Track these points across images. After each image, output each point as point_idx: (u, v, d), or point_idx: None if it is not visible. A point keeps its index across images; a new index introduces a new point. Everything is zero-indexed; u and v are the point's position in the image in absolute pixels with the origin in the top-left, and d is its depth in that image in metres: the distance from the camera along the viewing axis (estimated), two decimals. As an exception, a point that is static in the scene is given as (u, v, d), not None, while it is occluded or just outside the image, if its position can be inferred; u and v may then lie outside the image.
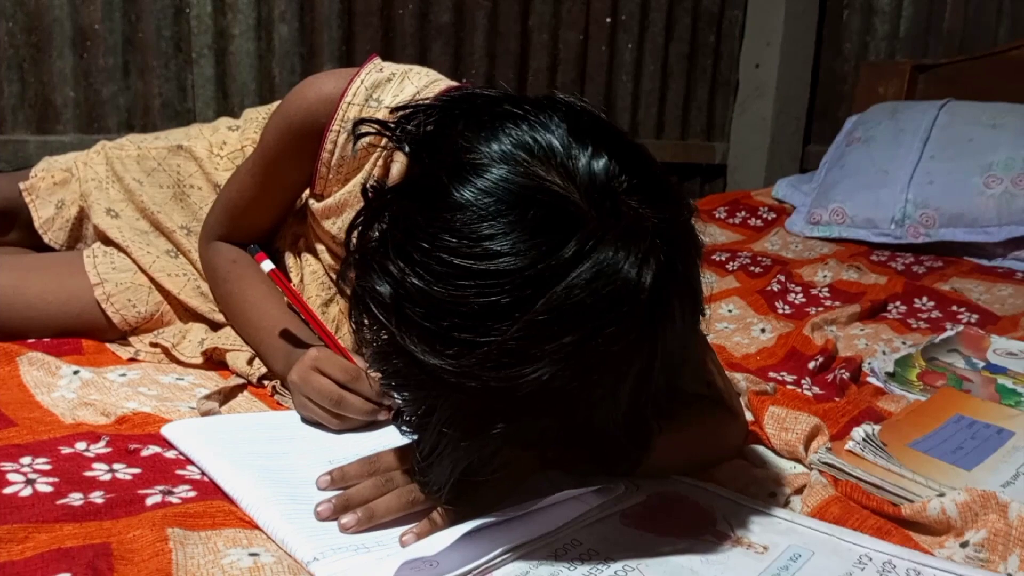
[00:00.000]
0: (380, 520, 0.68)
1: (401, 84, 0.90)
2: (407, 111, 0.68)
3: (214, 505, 0.70)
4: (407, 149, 0.66)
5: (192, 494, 0.72)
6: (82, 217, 1.14)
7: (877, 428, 0.86)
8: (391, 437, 0.83)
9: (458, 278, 0.55)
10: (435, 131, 0.65)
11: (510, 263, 0.55)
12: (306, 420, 0.86)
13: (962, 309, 1.48)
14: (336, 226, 0.95)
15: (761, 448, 0.87)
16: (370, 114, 0.89)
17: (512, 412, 0.58)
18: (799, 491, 0.79)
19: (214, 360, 1.00)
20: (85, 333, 1.04)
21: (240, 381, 0.96)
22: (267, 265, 0.89)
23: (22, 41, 1.89)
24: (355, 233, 0.65)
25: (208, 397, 0.89)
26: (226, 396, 0.92)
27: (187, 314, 1.06)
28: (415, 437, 0.69)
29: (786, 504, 0.77)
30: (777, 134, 2.83)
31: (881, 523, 0.74)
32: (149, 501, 0.69)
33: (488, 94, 0.66)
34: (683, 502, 0.76)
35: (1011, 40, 2.31)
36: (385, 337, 0.61)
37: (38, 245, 1.17)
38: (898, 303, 1.50)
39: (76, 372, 0.93)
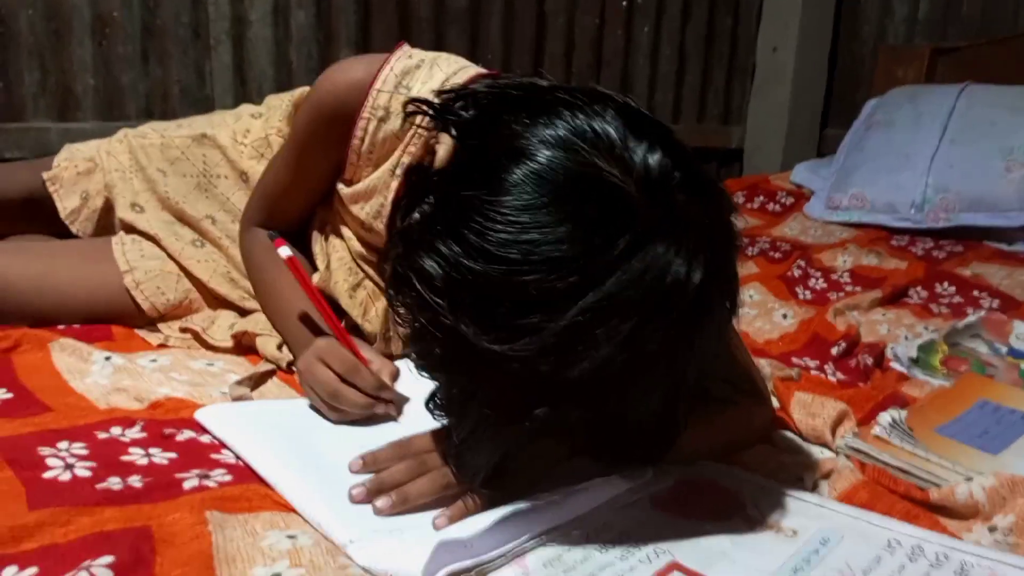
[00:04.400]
0: (413, 503, 0.69)
1: (431, 71, 0.91)
2: (453, 94, 0.68)
3: (251, 489, 0.71)
4: (454, 132, 0.67)
5: (228, 478, 0.73)
6: (108, 207, 1.15)
7: (903, 413, 0.86)
8: (421, 422, 0.84)
9: (514, 263, 0.56)
10: (484, 116, 0.65)
11: (566, 251, 0.56)
12: (312, 407, 0.87)
13: (983, 294, 1.47)
14: (364, 211, 0.96)
15: (788, 433, 0.87)
16: (400, 101, 0.89)
17: (554, 398, 0.59)
18: (826, 476, 0.80)
19: (243, 345, 1.01)
20: (114, 319, 1.05)
21: (270, 367, 0.97)
22: (284, 252, 0.90)
23: (42, 29, 1.90)
24: (399, 213, 0.65)
25: (239, 383, 0.90)
26: (256, 381, 0.93)
27: (215, 301, 1.07)
28: (446, 420, 0.70)
29: (814, 488, 0.78)
30: (794, 118, 2.81)
31: (909, 507, 0.74)
32: (186, 485, 0.71)
33: (537, 81, 0.66)
34: (712, 486, 0.76)
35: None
36: (423, 318, 0.61)
37: (62, 234, 1.18)
38: (919, 288, 1.49)
39: (108, 358, 0.94)
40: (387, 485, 0.70)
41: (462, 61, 0.93)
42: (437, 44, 2.37)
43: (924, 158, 1.93)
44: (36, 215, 1.19)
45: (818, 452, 0.85)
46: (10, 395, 0.85)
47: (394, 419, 0.86)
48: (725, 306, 0.63)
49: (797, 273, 1.54)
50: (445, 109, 0.68)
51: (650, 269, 0.57)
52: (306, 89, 1.18)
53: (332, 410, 0.84)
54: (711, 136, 2.90)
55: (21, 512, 0.64)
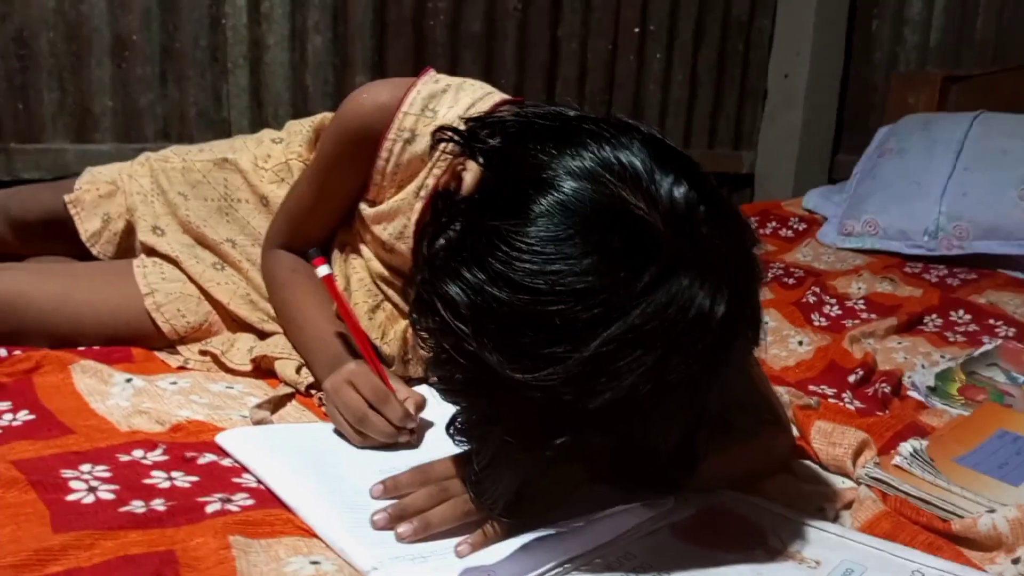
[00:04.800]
0: (435, 530, 0.69)
1: (456, 95, 0.92)
2: (481, 121, 0.69)
3: (272, 513, 0.71)
4: (481, 160, 0.67)
5: (250, 502, 0.73)
6: (129, 230, 1.15)
7: (924, 443, 0.86)
8: (442, 447, 0.84)
9: (539, 292, 0.57)
10: (511, 144, 0.66)
11: (592, 282, 0.56)
12: (335, 431, 0.87)
13: (999, 322, 1.47)
14: (387, 232, 0.96)
15: (808, 462, 0.87)
16: (426, 124, 0.90)
17: (576, 427, 0.59)
18: (848, 506, 0.79)
19: (262, 368, 1.02)
20: (134, 341, 1.06)
21: (289, 390, 0.97)
22: (323, 270, 0.91)
23: (62, 50, 1.92)
24: (425, 239, 0.66)
25: (259, 406, 0.91)
26: (276, 405, 0.94)
27: (235, 324, 1.07)
28: (466, 446, 0.70)
29: (835, 519, 0.78)
30: (806, 144, 2.82)
31: (932, 539, 0.74)
32: (209, 509, 0.71)
33: (564, 111, 0.67)
34: (732, 516, 0.76)
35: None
36: (447, 344, 0.62)
37: (83, 256, 1.18)
38: (934, 316, 1.49)
39: (129, 380, 0.94)
40: (409, 511, 0.70)
41: (487, 87, 0.94)
42: (452, 68, 2.39)
43: (937, 186, 1.93)
44: (57, 237, 1.20)
45: (839, 481, 0.84)
46: (32, 416, 0.86)
47: (415, 447, 0.86)
48: (748, 338, 0.64)
49: (812, 299, 1.54)
50: (472, 136, 0.69)
51: (674, 302, 0.57)
52: (328, 115, 1.20)
53: (356, 435, 0.84)
54: (722, 161, 2.91)
55: (46, 535, 0.65)
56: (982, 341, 1.38)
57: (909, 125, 2.17)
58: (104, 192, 1.17)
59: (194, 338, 1.07)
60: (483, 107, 0.91)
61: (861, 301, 1.55)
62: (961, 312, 1.51)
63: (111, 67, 1.97)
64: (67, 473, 0.74)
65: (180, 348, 1.06)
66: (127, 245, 1.16)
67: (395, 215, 0.95)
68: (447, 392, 0.67)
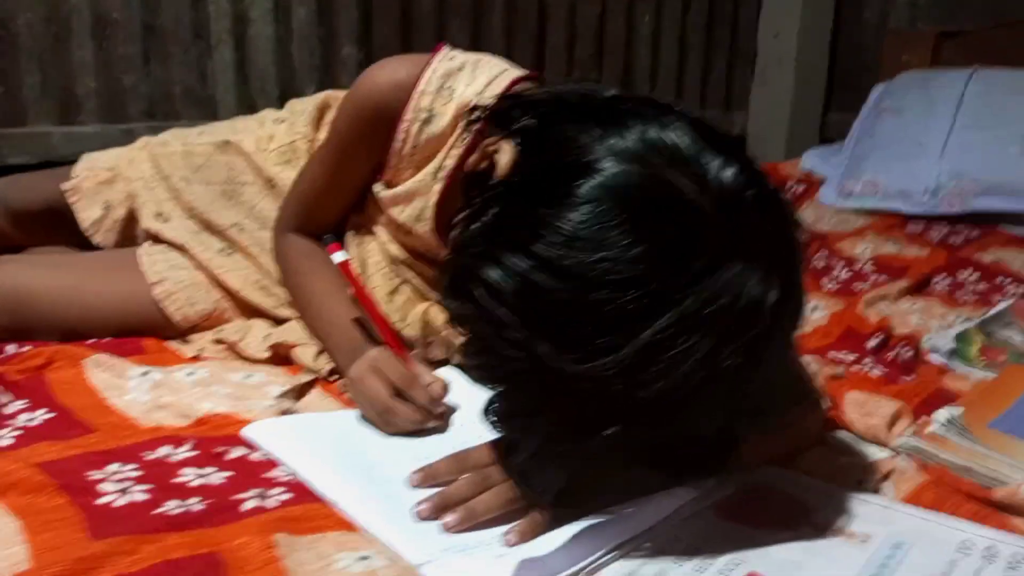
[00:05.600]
0: (480, 519, 0.67)
1: (473, 72, 0.89)
2: (514, 100, 0.68)
3: (313, 508, 0.69)
4: (517, 141, 0.65)
5: (287, 496, 0.71)
6: (131, 218, 1.12)
7: (960, 410, 0.85)
8: (469, 431, 0.83)
9: (588, 281, 0.55)
10: (548, 124, 0.64)
11: (643, 271, 0.55)
12: (363, 418, 0.85)
13: (1007, 280, 1.47)
14: (405, 214, 0.94)
15: (843, 434, 0.86)
16: (443, 103, 0.88)
17: (624, 417, 0.58)
18: (887, 477, 0.79)
19: (279, 355, 0.99)
20: (143, 331, 1.03)
21: (309, 377, 0.95)
22: (339, 256, 0.88)
23: (41, 32, 1.86)
24: (460, 222, 0.64)
25: (283, 395, 0.89)
26: (298, 393, 0.92)
27: (248, 310, 1.05)
28: (504, 433, 0.69)
29: (876, 490, 0.77)
30: (797, 104, 2.80)
31: (977, 507, 0.74)
32: (245, 506, 0.69)
33: (598, 90, 0.65)
34: (774, 493, 0.75)
35: (1038, 5, 2.28)
36: (488, 331, 0.60)
37: (83, 245, 1.15)
38: (943, 276, 1.49)
39: (145, 373, 0.92)
40: (452, 501, 0.68)
41: (504, 63, 0.92)
42: (439, 37, 2.34)
43: (937, 144, 1.92)
44: (57, 226, 1.16)
45: (876, 452, 0.84)
46: (51, 415, 0.83)
47: (443, 433, 0.84)
48: (794, 324, 0.63)
49: (820, 264, 1.53)
50: (507, 116, 0.67)
51: (727, 290, 0.56)
52: (331, 94, 1.17)
53: (383, 423, 0.82)
54: (714, 124, 2.88)
55: (84, 542, 0.63)
56: (992, 300, 1.37)
57: (905, 83, 2.15)
58: (103, 179, 1.13)
59: (205, 326, 1.04)
60: (501, 84, 0.88)
61: (869, 263, 1.55)
62: (969, 271, 1.51)
63: (93, 47, 1.91)
64: (95, 474, 0.72)
65: (192, 337, 1.03)
66: (129, 233, 1.13)
67: (412, 197, 0.93)
68: (484, 379, 0.66)
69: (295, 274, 1.00)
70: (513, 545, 0.65)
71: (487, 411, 0.69)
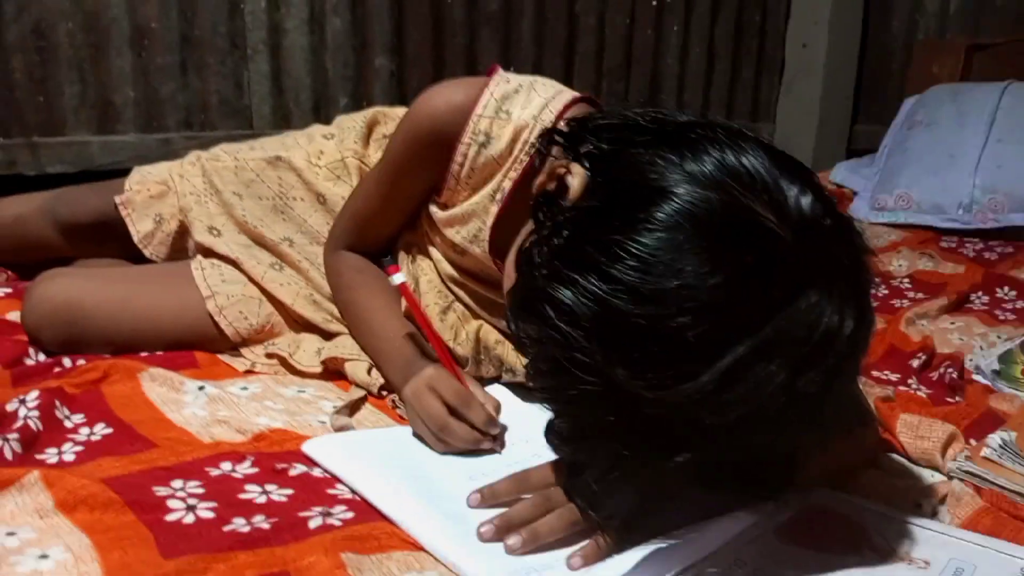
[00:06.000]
0: (544, 541, 0.68)
1: (529, 95, 0.90)
2: (584, 123, 0.69)
3: (377, 527, 0.70)
4: (587, 164, 0.66)
5: (351, 515, 0.72)
6: (183, 231, 1.14)
7: (1013, 434, 0.85)
8: (522, 450, 0.84)
9: (667, 306, 0.55)
10: (620, 148, 0.65)
11: (723, 299, 0.55)
12: (415, 435, 0.86)
13: (1046, 298, 1.47)
14: (460, 235, 0.95)
15: (895, 456, 0.86)
16: (500, 126, 0.89)
17: (699, 442, 0.58)
18: (942, 500, 0.79)
19: (330, 369, 1.01)
20: (194, 344, 1.05)
21: (361, 393, 0.96)
22: (399, 278, 0.89)
23: (81, 42, 1.89)
24: (532, 245, 0.65)
25: (339, 411, 0.89)
26: (351, 409, 0.92)
27: (298, 324, 1.06)
28: (566, 453, 0.70)
29: (933, 514, 0.77)
30: (825, 114, 2.80)
31: (1037, 534, 0.74)
32: (312, 524, 0.70)
33: (667, 113, 0.66)
34: (833, 516, 0.76)
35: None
36: (557, 353, 0.60)
37: (133, 258, 1.17)
38: (980, 293, 1.48)
39: (201, 388, 0.93)
40: (515, 522, 0.69)
41: (557, 85, 0.93)
42: (470, 47, 2.36)
43: (971, 158, 1.92)
44: (106, 238, 1.18)
45: (929, 475, 0.84)
46: (110, 430, 0.84)
47: (497, 452, 0.85)
48: (865, 347, 0.63)
49: (857, 279, 1.52)
50: (577, 139, 0.68)
51: (804, 318, 0.57)
52: (380, 110, 1.18)
53: (439, 442, 0.83)
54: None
55: (156, 560, 0.64)
56: (1032, 318, 1.37)
57: (938, 96, 2.15)
58: (155, 192, 1.15)
59: (257, 340, 1.05)
60: (557, 106, 0.89)
61: (906, 280, 1.54)
62: (1006, 289, 1.51)
63: (131, 57, 1.94)
64: (160, 491, 0.73)
65: (244, 351, 1.04)
66: (180, 246, 1.15)
67: (469, 218, 0.94)
68: (549, 401, 0.66)
69: (347, 289, 1.01)
70: (577, 568, 0.65)
71: (549, 432, 0.69)
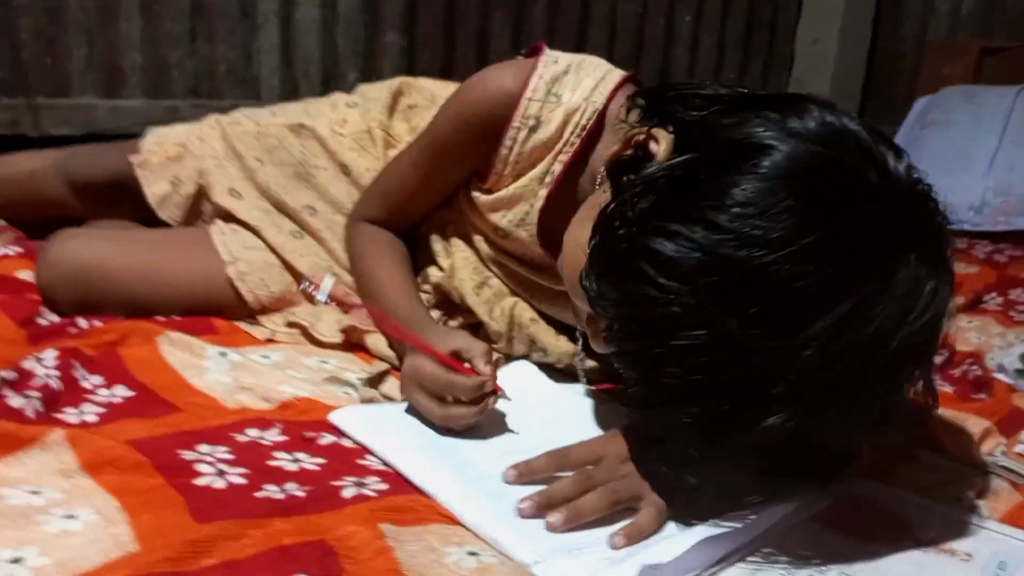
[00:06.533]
0: (586, 519, 0.67)
1: (577, 76, 0.88)
2: (672, 91, 0.69)
3: (413, 499, 0.68)
4: (672, 129, 0.66)
5: (385, 486, 0.70)
6: (200, 194, 1.11)
7: (1050, 431, 0.85)
8: (559, 432, 0.82)
9: (779, 252, 0.55)
10: (707, 114, 0.65)
11: (833, 247, 0.55)
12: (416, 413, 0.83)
13: (1058, 301, 1.46)
14: (506, 219, 0.93)
15: (931, 451, 0.85)
16: (550, 110, 0.87)
17: (791, 403, 0.57)
18: (980, 495, 0.78)
19: (351, 341, 0.99)
20: (211, 311, 1.02)
21: (385, 366, 0.94)
22: (327, 284, 0.89)
23: (91, 4, 1.85)
24: (618, 207, 0.64)
25: (366, 383, 0.88)
26: (375, 381, 0.91)
27: (316, 295, 1.04)
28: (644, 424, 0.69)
29: (972, 509, 0.76)
30: (833, 112, 2.79)
31: (1077, 531, 0.73)
32: (346, 494, 0.68)
33: (739, 88, 0.65)
34: (873, 506, 0.75)
35: (1084, 24, 2.27)
36: (655, 313, 0.59)
37: (146, 220, 1.14)
38: (994, 294, 1.48)
39: (223, 354, 0.91)
40: (556, 500, 0.67)
41: (605, 64, 0.91)
42: (481, 29, 2.34)
43: (984, 160, 1.92)
44: (119, 199, 1.15)
45: (965, 470, 0.83)
46: (132, 393, 0.82)
47: (508, 399, 0.81)
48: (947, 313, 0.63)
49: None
50: (663, 105, 0.69)
51: (907, 276, 0.57)
52: (404, 80, 1.15)
53: (445, 430, 0.80)
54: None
55: (189, 525, 0.62)
56: (1046, 320, 1.37)
57: (952, 97, 2.14)
58: (172, 154, 1.12)
59: (275, 308, 1.03)
60: (607, 87, 0.87)
61: (921, 278, 1.53)
62: (1020, 291, 1.50)
63: (140, 22, 1.91)
64: (188, 455, 0.71)
65: (263, 319, 1.02)
66: (196, 210, 1.12)
67: (516, 202, 0.92)
68: (632, 365, 0.64)
69: (361, 260, 0.99)
70: (620, 548, 0.64)
71: (627, 401, 0.67)
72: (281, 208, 1.07)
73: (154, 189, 1.11)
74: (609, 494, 0.68)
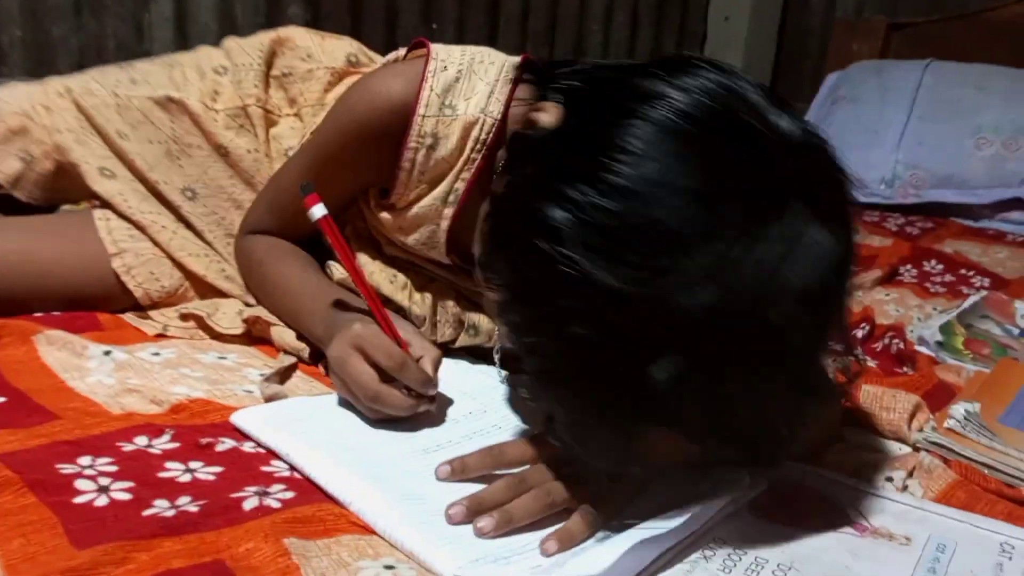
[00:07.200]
0: (518, 524, 0.62)
1: (471, 83, 0.82)
2: (562, 69, 0.68)
3: (323, 508, 0.62)
4: (562, 99, 0.64)
5: (291, 495, 0.64)
6: (60, 172, 0.99)
7: (977, 405, 0.83)
8: (487, 421, 0.78)
9: (649, 195, 0.53)
10: (596, 82, 0.64)
11: (706, 190, 0.53)
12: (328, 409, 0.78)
13: (971, 272, 1.48)
14: (412, 239, 0.88)
15: (858, 428, 0.83)
16: (447, 124, 0.81)
17: (677, 355, 0.54)
18: (911, 473, 0.76)
19: (254, 335, 0.91)
20: (97, 302, 0.93)
21: (291, 360, 0.87)
22: (319, 211, 0.78)
23: (-38, -27, 1.70)
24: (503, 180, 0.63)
25: (268, 379, 0.81)
26: (282, 377, 0.84)
27: (212, 291, 0.96)
28: (534, 401, 0.66)
29: (905, 488, 0.74)
30: (744, 87, 2.80)
31: (1011, 507, 0.72)
32: (246, 506, 0.62)
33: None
34: (807, 491, 0.72)
35: (986, 0, 2.32)
36: (536, 276, 0.57)
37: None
38: (909, 266, 1.49)
39: (107, 352, 0.82)
40: (488, 504, 0.62)
41: (496, 60, 0.84)
42: (390, 3, 2.25)
43: (893, 135, 1.94)
44: None
45: (896, 447, 0.81)
46: (3, 399, 0.74)
47: (436, 418, 0.77)
48: (850, 289, 0.61)
49: (790, 251, 1.51)
50: (549, 80, 0.67)
51: (790, 224, 0.54)
52: (277, 37, 1.06)
53: (371, 412, 0.74)
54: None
55: (65, 550, 0.55)
56: (961, 291, 1.38)
57: (861, 73, 2.16)
58: (15, 126, 0.98)
59: (168, 303, 0.95)
60: (502, 92, 0.82)
61: (838, 252, 1.54)
62: (933, 262, 1.52)
63: (19, -7, 1.76)
64: (66, 469, 0.64)
65: (153, 313, 0.94)
66: (59, 186, 1.00)
67: (421, 223, 0.87)
68: (524, 335, 0.60)
69: (260, 264, 0.92)
70: (552, 554, 0.59)
71: (522, 377, 0.63)
72: (155, 192, 0.97)
73: (2, 168, 0.98)
74: (543, 497, 0.63)
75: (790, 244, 0.54)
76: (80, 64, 1.84)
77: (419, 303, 0.88)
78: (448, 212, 0.85)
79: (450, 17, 2.36)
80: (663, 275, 0.53)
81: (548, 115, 0.64)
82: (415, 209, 0.85)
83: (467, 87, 0.82)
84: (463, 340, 0.90)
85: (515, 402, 0.81)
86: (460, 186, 0.84)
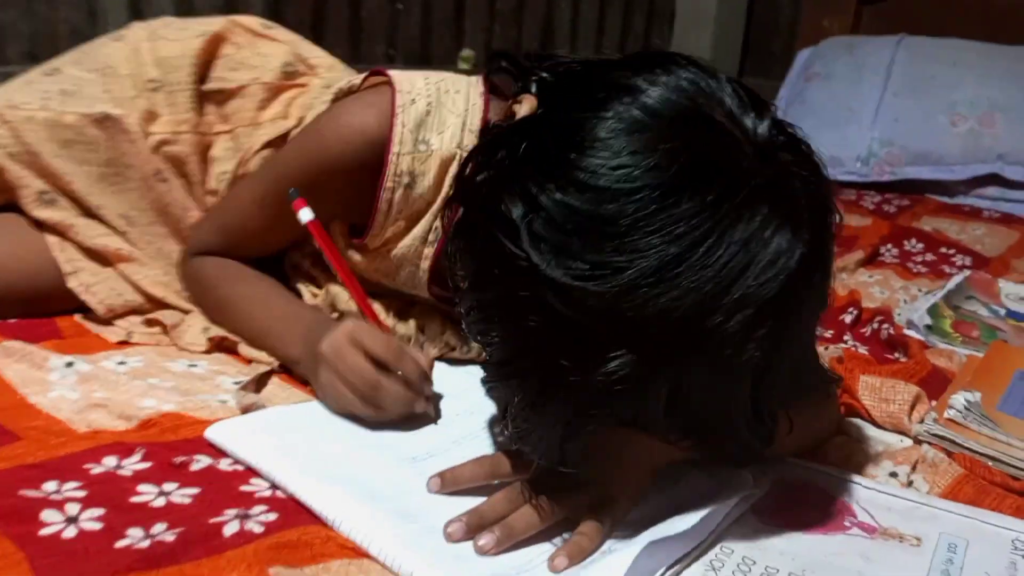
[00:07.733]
0: (520, 538, 0.59)
1: (441, 116, 0.80)
2: (540, 62, 0.65)
3: (309, 531, 0.58)
4: (535, 90, 0.62)
5: (273, 516, 0.60)
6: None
7: (977, 394, 0.82)
8: (474, 424, 0.74)
9: (603, 189, 0.51)
10: (574, 76, 0.61)
11: (661, 188, 0.51)
12: (335, 410, 0.74)
13: (952, 251, 1.47)
14: (390, 281, 0.85)
15: (857, 421, 0.81)
16: (422, 162, 0.79)
17: (624, 349, 0.51)
18: (914, 467, 0.74)
19: (222, 348, 0.86)
20: (53, 300, 0.88)
21: (265, 367, 0.83)
22: (307, 214, 0.75)
23: (-102, -45, 1.61)
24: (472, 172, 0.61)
25: (244, 388, 0.76)
26: (256, 385, 0.79)
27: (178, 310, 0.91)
28: (500, 393, 0.62)
29: (910, 483, 0.72)
30: (715, 66, 2.77)
31: (1020, 502, 0.70)
32: (227, 531, 0.58)
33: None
34: (812, 490, 0.70)
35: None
36: (494, 267, 0.55)
37: None
38: (889, 246, 1.48)
39: (70, 364, 0.78)
40: (489, 519, 0.59)
41: (458, 83, 0.82)
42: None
43: (869, 111, 1.92)
44: None
45: (897, 440, 0.79)
46: (-43, 420, 0.69)
47: (433, 421, 0.74)
48: (821, 292, 0.58)
49: (771, 233, 1.49)
50: (526, 75, 0.64)
51: (752, 229, 0.52)
52: (219, 32, 0.98)
53: (368, 407, 0.71)
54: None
55: (30, 589, 0.50)
56: (943, 271, 1.37)
57: (833, 49, 2.14)
58: None
59: (134, 314, 0.90)
60: (474, 122, 0.80)
61: (819, 233, 1.52)
62: (913, 241, 1.51)
63: (-37, -23, 1.68)
64: (29, 494, 0.60)
65: (117, 321, 0.89)
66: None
67: (400, 266, 0.84)
68: (484, 327, 0.58)
69: (215, 288, 0.87)
70: (562, 570, 0.56)
71: (484, 380, 0.61)
72: (98, 218, 0.91)
73: None
74: (545, 507, 0.60)
75: (751, 250, 0.51)
76: (31, 52, 1.77)
77: (403, 325, 0.85)
78: (428, 252, 0.83)
79: (417, 2, 2.31)
80: (616, 273, 0.51)
81: (523, 108, 0.62)
82: (396, 251, 0.83)
83: (438, 121, 0.80)
84: (455, 355, 0.87)
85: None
86: (439, 225, 0.81)
